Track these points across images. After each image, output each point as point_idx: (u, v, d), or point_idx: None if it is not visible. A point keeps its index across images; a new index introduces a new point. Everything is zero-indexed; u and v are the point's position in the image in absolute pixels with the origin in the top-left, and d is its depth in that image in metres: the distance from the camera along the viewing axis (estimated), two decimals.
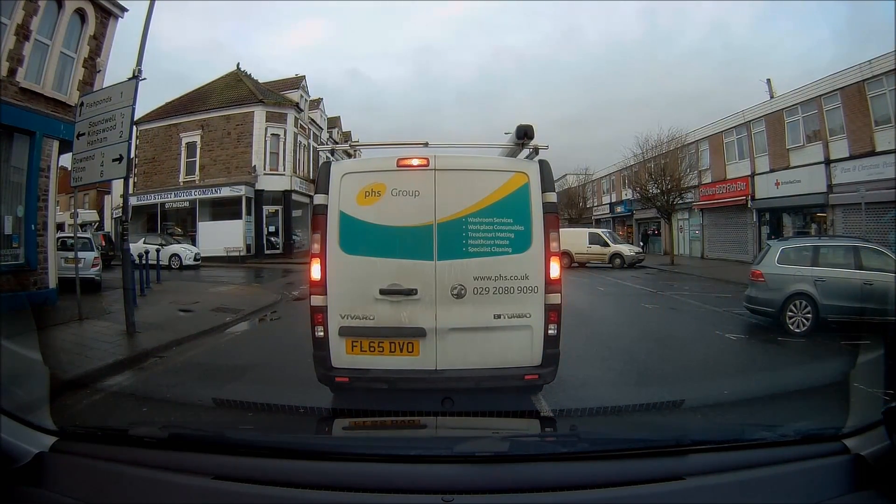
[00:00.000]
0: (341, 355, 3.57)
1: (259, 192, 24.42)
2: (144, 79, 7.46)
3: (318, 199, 3.63)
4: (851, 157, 16.78)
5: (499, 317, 3.53)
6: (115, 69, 10.43)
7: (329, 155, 4.29)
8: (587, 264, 21.61)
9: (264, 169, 24.74)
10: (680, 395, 4.06)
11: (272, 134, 25.18)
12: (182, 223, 24.95)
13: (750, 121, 21.98)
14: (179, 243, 20.89)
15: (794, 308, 7.94)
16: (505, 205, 3.57)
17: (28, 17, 8.61)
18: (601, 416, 3.70)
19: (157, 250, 15.27)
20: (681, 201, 23.21)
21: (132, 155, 7.99)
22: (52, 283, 9.26)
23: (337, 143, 22.04)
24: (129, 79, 7.47)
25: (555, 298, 3.56)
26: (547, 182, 3.64)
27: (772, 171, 20.51)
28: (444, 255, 3.51)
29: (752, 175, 21.68)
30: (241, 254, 23.34)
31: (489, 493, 1.48)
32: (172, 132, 25.62)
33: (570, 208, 37.00)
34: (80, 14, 9.73)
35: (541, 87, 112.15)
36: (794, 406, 4.14)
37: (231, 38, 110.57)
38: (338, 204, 3.57)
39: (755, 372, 5.91)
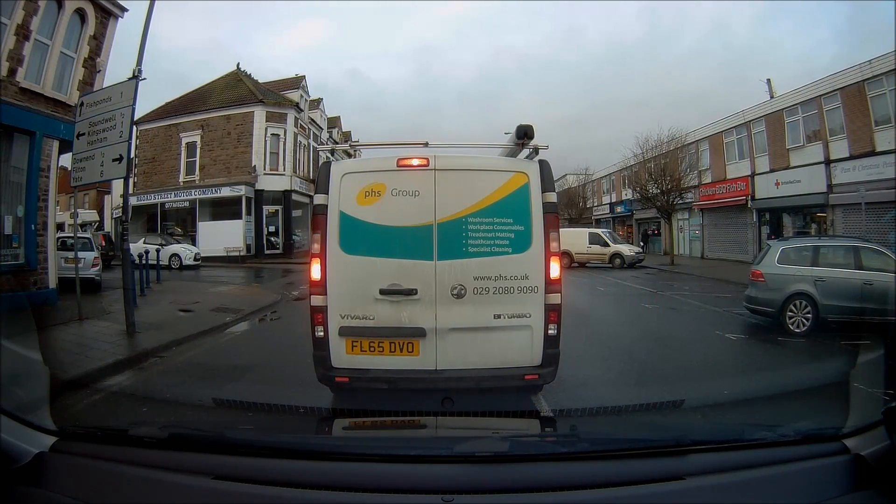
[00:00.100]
0: (341, 355, 3.57)
1: (259, 192, 24.42)
2: (144, 79, 7.47)
3: (318, 199, 3.63)
4: (851, 157, 16.78)
5: (499, 317, 3.53)
6: (115, 69, 10.46)
7: (329, 155, 4.30)
8: (587, 264, 21.61)
9: (264, 169, 24.74)
10: (680, 395, 4.06)
11: (272, 134, 25.18)
12: (182, 223, 24.96)
13: (750, 121, 21.98)
14: (179, 243, 20.89)
15: (794, 308, 7.94)
16: (505, 205, 3.57)
17: (28, 17, 8.61)
18: (601, 416, 3.71)
19: (157, 250, 15.26)
20: (681, 201, 23.21)
21: (132, 155, 7.99)
22: (52, 283, 9.26)
23: (337, 143, 22.03)
24: (129, 79, 7.47)
25: (555, 298, 3.56)
26: (547, 182, 3.64)
27: (772, 171, 20.51)
28: (444, 255, 3.51)
29: (752, 175, 21.68)
30: (241, 254, 23.33)
31: (489, 493, 1.48)
32: (172, 132, 25.62)
33: (570, 208, 36.99)
34: (80, 14, 9.72)
35: (541, 87, 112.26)
36: (794, 406, 4.15)
37: (231, 38, 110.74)
38: (338, 204, 3.57)
39: (755, 372, 5.90)
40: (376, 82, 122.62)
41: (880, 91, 15.80)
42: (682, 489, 1.49)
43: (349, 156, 18.02)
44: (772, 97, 21.57)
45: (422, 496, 1.45)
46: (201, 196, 24.39)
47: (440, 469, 1.59)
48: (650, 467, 1.59)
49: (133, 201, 17.78)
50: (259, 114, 24.81)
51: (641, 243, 29.74)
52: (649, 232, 32.37)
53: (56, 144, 9.29)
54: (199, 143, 25.13)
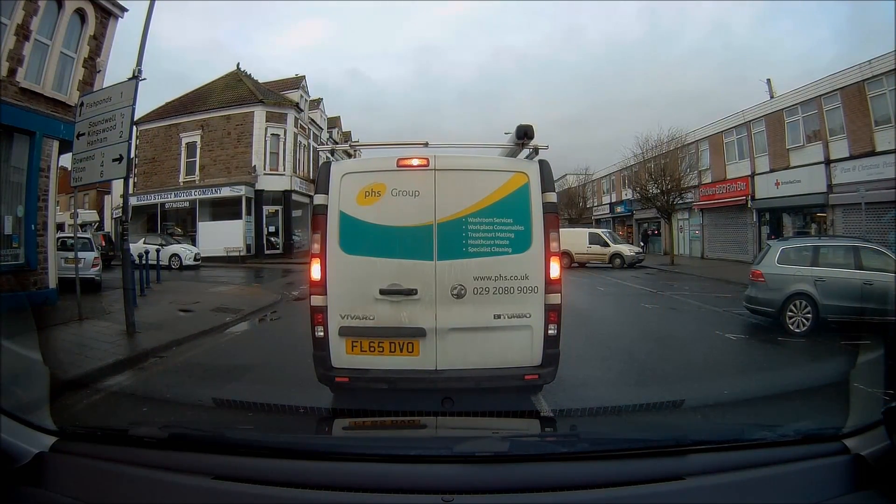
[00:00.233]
0: (341, 355, 3.57)
1: (259, 192, 24.42)
2: (144, 79, 7.47)
3: (318, 199, 3.63)
4: (851, 157, 16.78)
5: (499, 317, 3.53)
6: (115, 69, 10.45)
7: (329, 155, 4.29)
8: (587, 264, 21.61)
9: (264, 169, 24.74)
10: (680, 395, 4.06)
11: (272, 134, 25.18)
12: (182, 223, 24.96)
13: (750, 121, 21.97)
14: (179, 243, 20.88)
15: (794, 308, 7.94)
16: (505, 205, 3.57)
17: (28, 17, 8.61)
18: (601, 416, 3.71)
19: (157, 250, 15.26)
20: (681, 201, 23.21)
21: (132, 155, 7.98)
22: (52, 283, 9.26)
23: (337, 143, 22.03)
24: (129, 79, 7.47)
25: (555, 298, 3.56)
26: (547, 182, 3.64)
27: (772, 171, 20.51)
28: (444, 255, 3.51)
29: (752, 175, 21.68)
30: (241, 254, 23.33)
31: (489, 493, 1.48)
32: (172, 132, 25.62)
33: (570, 208, 36.98)
34: (80, 14, 9.72)
35: (541, 87, 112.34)
36: (794, 406, 4.15)
37: (231, 38, 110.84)
38: (338, 204, 3.57)
39: (755, 372, 5.90)
40: (376, 82, 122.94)
41: (880, 91, 15.80)
42: (683, 489, 1.49)
43: (349, 156, 18.00)
44: (772, 97, 21.57)
45: (422, 496, 1.45)
46: (201, 196, 24.39)
47: (440, 469, 1.59)
48: (650, 467, 1.59)
49: (133, 201, 17.74)
50: (259, 114, 24.81)
51: (641, 243, 29.74)
52: (649, 232, 32.38)
53: (56, 144, 9.29)
54: (199, 143, 25.13)
